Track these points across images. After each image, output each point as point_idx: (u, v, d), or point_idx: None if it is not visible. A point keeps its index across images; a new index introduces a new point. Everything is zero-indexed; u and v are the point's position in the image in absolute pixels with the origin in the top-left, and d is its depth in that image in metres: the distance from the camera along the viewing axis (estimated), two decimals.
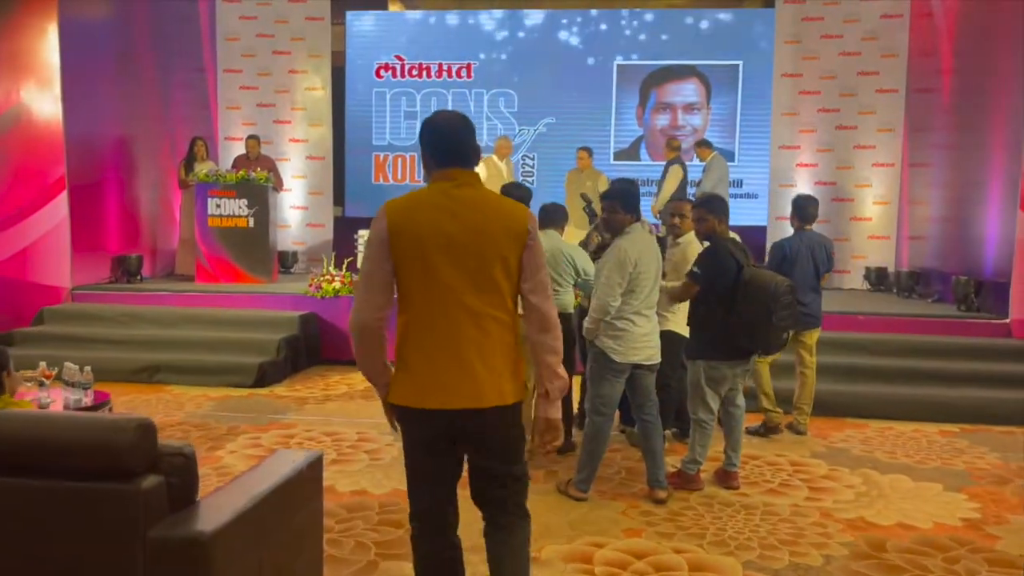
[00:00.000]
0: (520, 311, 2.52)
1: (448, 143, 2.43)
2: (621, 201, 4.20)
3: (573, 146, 9.45)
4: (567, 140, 9.90)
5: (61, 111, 7.90)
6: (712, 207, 4.50)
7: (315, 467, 2.88)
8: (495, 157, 9.11)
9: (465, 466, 2.57)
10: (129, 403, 6.20)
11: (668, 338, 4.56)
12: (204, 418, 5.81)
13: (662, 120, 10.88)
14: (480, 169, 9.25)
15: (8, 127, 7.89)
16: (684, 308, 4.75)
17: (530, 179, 10.84)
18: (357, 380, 7.15)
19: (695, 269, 4.36)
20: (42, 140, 7.93)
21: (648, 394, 4.23)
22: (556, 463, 4.90)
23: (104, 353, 7.10)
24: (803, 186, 9.85)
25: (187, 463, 2.37)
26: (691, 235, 5.08)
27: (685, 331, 4.75)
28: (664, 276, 4.54)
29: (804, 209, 5.56)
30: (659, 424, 4.29)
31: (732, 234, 4.52)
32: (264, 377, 6.86)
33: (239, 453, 4.98)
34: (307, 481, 2.78)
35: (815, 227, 5.72)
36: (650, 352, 4.17)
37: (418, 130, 2.54)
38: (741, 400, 4.52)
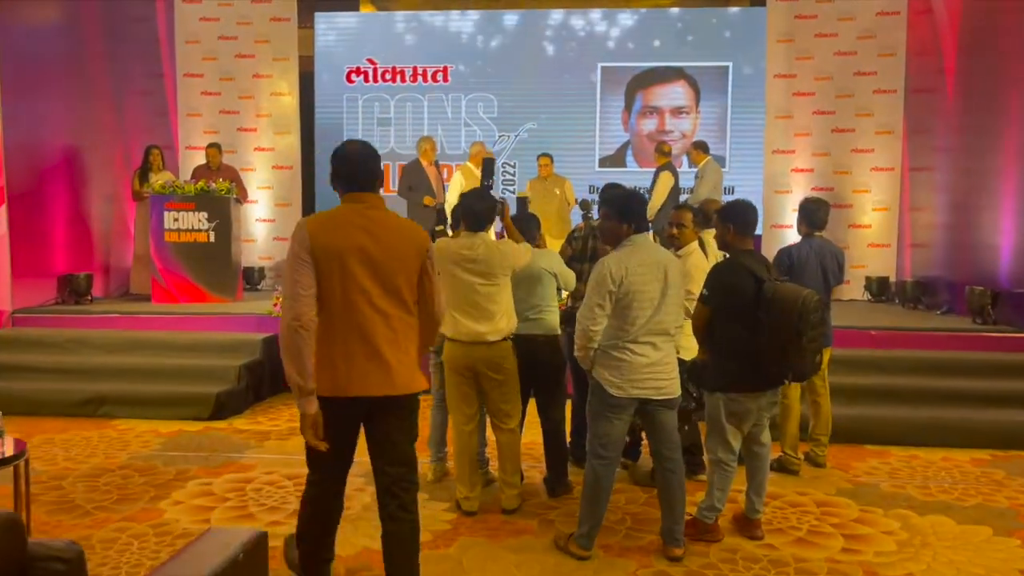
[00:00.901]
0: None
1: (358, 170, 2.85)
2: (616, 208, 3.64)
3: (556, 152, 8.90)
4: (549, 146, 9.31)
5: (0, 119, 7.21)
6: (724, 215, 3.94)
7: (256, 552, 2.25)
8: (471, 164, 8.52)
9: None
10: (66, 442, 5.51)
11: None
12: (150, 459, 5.13)
13: (649, 124, 10.36)
14: (457, 177, 8.73)
15: None
16: (686, 329, 4.19)
17: (511, 187, 10.27)
18: None
19: (704, 291, 3.79)
20: None
21: (667, 435, 3.63)
22: (551, 508, 4.30)
23: (45, 384, 6.41)
24: (799, 192, 9.34)
25: (69, 571, 1.74)
26: (693, 246, 4.53)
27: (687, 354, 4.20)
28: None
29: (813, 213, 4.98)
30: (681, 472, 3.67)
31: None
32: (222, 408, 6.19)
33: (186, 504, 4.32)
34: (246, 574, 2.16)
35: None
36: (660, 384, 3.57)
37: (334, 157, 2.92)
38: (767, 437, 3.92)
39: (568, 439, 4.74)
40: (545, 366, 4.43)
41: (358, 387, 2.76)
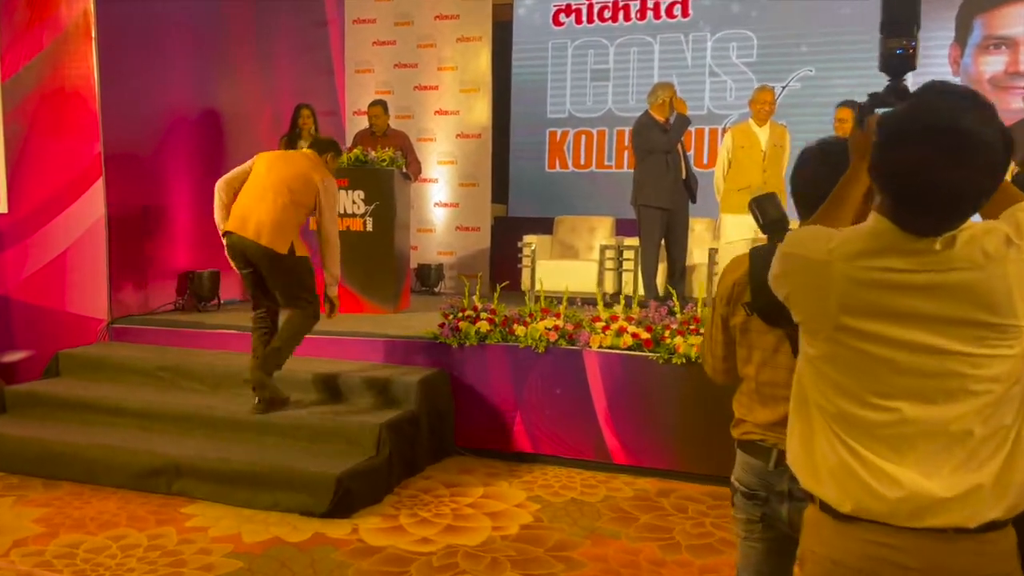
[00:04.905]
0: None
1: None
2: None
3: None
4: (834, 100, 6.29)
5: (96, 70, 5.42)
6: None
7: None
8: (752, 123, 5.80)
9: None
10: (92, 557, 3.41)
11: None
12: None
13: (994, 64, 7.01)
14: (727, 145, 5.95)
15: (30, 88, 5.52)
16: None
17: None
18: (508, 498, 4.07)
19: None
20: (70, 108, 5.49)
21: None
22: None
23: (113, 439, 4.40)
24: None
25: None
26: None
27: None
28: None
29: None
30: None
31: None
32: (346, 499, 3.88)
33: None
34: None
35: None
36: None
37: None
38: None
39: None
40: None
41: (246, 231, 4.28)
